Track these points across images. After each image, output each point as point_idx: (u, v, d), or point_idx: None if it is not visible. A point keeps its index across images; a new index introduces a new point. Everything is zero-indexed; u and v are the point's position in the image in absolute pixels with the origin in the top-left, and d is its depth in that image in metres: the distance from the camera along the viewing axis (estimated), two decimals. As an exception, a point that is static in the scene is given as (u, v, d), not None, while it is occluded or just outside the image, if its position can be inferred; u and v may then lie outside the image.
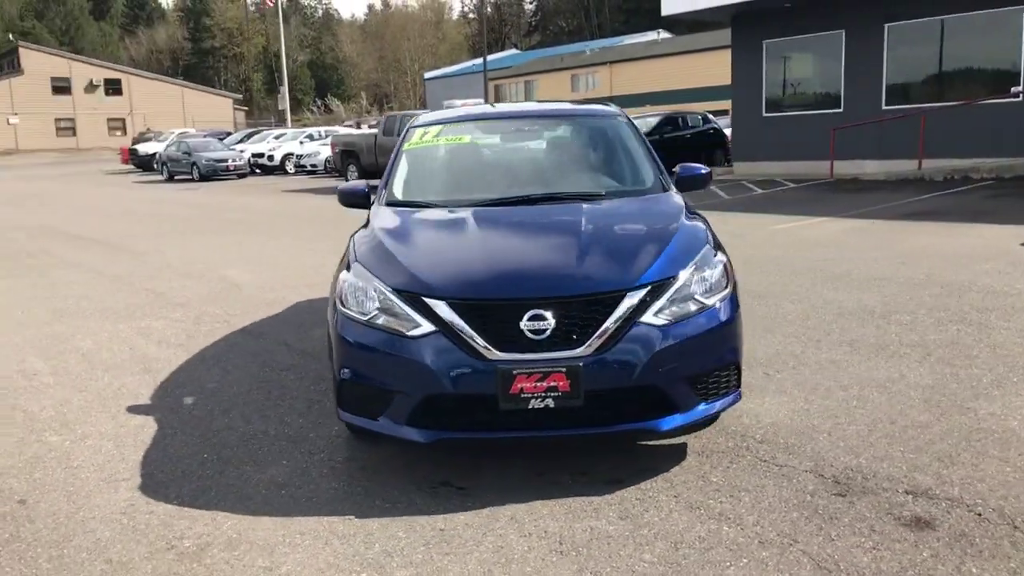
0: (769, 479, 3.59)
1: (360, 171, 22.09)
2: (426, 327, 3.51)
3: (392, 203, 4.67)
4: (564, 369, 3.41)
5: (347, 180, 20.87)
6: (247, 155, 30.83)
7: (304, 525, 3.36)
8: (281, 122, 49.20)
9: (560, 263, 3.73)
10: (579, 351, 3.44)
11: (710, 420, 3.90)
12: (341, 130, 32.90)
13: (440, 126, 5.26)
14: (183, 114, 62.54)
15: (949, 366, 4.98)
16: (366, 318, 3.65)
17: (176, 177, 30.06)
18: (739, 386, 3.84)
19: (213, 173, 29.00)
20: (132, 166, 37.79)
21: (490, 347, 3.44)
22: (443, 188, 4.89)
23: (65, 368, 5.76)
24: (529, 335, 3.45)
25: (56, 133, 60.98)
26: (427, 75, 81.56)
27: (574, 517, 3.34)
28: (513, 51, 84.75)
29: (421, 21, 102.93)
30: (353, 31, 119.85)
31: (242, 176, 29.53)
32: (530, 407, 3.44)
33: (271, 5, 50.49)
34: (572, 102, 6.38)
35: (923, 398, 4.48)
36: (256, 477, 3.84)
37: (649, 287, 3.58)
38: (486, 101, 29.99)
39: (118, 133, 62.81)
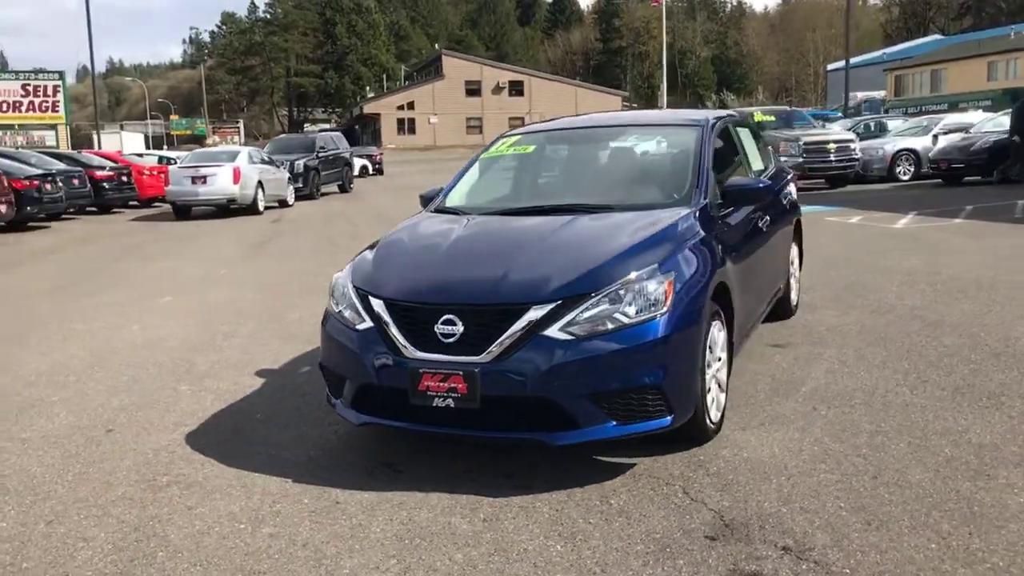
0: (662, 511, 3.46)
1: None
2: (367, 323, 3.95)
3: (439, 209, 5.09)
4: (462, 373, 3.63)
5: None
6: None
7: (247, 479, 3.98)
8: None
9: (486, 273, 3.90)
10: (479, 357, 3.64)
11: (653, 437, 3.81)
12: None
13: (519, 136, 5.54)
14: (575, 111, 66.57)
15: (1048, 426, 4.15)
16: (337, 311, 4.17)
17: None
18: (670, 412, 3.71)
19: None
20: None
21: (408, 346, 3.78)
22: (484, 196, 5.19)
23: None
24: (440, 338, 3.73)
25: (466, 131, 68.46)
26: (829, 67, 77.67)
27: (450, 512, 3.55)
28: (934, 36, 77.16)
29: (831, 9, 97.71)
30: (760, 24, 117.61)
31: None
32: (434, 405, 3.71)
33: (657, 4, 51.68)
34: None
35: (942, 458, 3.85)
36: (273, 437, 4.56)
37: (560, 302, 3.64)
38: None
39: (518, 130, 68.89)
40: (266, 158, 21.87)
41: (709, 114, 5.45)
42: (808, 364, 5.38)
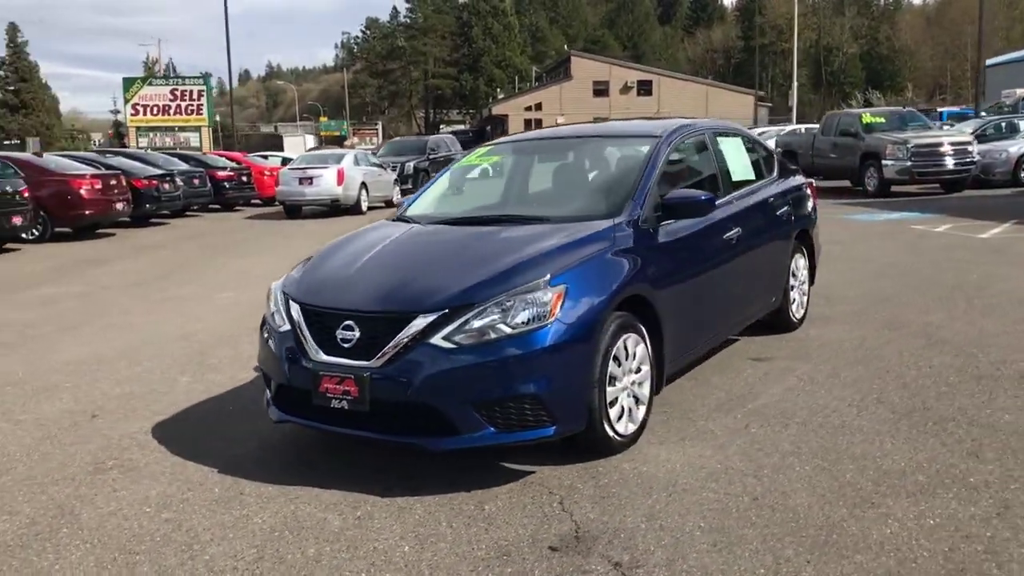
0: (527, 519, 3.53)
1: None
2: (287, 326, 4.20)
3: (399, 217, 5.28)
4: (354, 376, 3.82)
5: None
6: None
7: (180, 467, 4.30)
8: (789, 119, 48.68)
9: (387, 282, 4.07)
10: (370, 363, 3.82)
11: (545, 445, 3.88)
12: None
13: (492, 146, 5.67)
14: (706, 111, 65.24)
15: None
16: (269, 314, 4.45)
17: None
18: (553, 422, 3.77)
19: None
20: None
21: (314, 349, 4.00)
22: (440, 205, 5.34)
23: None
24: (341, 343, 3.93)
25: (592, 131, 68.14)
26: (988, 62, 72.84)
27: (332, 509, 3.74)
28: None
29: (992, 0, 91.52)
30: (916, 17, 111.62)
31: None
32: (332, 406, 3.92)
33: None
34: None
35: (867, 480, 3.71)
36: (230, 430, 4.88)
37: (445, 311, 3.77)
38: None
39: (647, 131, 68.14)
40: (374, 161, 22.68)
41: (674, 124, 5.40)
42: (774, 380, 5.26)
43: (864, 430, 4.34)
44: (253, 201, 25.05)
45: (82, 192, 15.48)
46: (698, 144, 5.53)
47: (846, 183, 20.12)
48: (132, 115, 45.53)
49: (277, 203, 21.94)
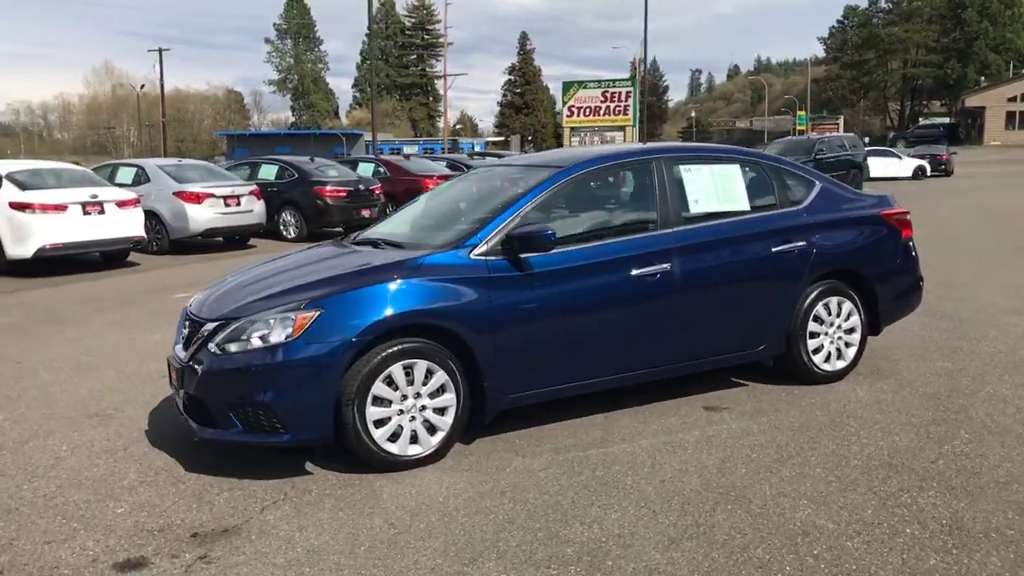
0: (221, 510, 4.07)
1: None
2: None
3: (354, 240, 5.76)
4: (176, 368, 4.67)
5: None
6: None
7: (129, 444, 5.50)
8: None
9: (228, 295, 4.76)
10: (183, 357, 4.62)
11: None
12: None
13: (465, 171, 5.96)
14: None
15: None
16: None
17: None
18: (286, 431, 4.23)
19: None
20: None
21: (178, 347, 4.92)
22: (384, 227, 5.75)
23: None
24: (183, 339, 4.80)
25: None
26: None
27: (119, 481, 4.64)
28: None
29: None
30: None
31: None
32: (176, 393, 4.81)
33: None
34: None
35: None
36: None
37: (221, 322, 4.43)
38: None
39: None
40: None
41: (592, 155, 5.21)
42: (669, 434, 4.87)
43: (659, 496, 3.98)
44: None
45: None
46: (633, 174, 5.26)
47: None
48: (567, 116, 49.88)
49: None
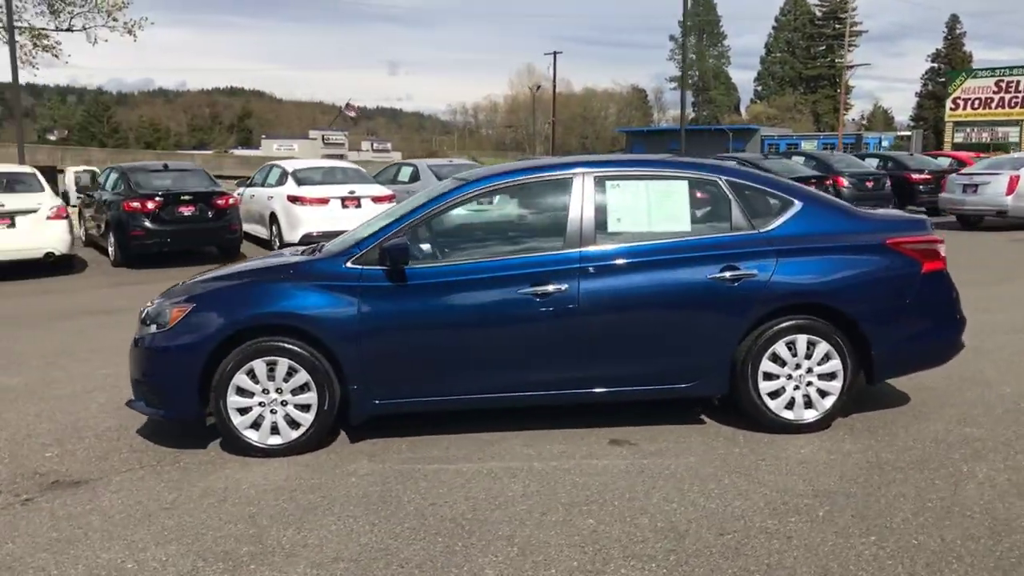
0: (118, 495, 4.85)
1: None
2: None
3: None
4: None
5: None
6: None
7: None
8: None
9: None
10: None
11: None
12: None
13: None
14: None
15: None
16: None
17: None
18: (161, 407, 4.98)
19: None
20: None
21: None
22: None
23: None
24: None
25: None
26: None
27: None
28: None
29: None
30: None
31: None
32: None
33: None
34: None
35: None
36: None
37: (152, 306, 5.22)
38: None
39: None
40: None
41: (496, 171, 5.11)
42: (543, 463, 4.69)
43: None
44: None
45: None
46: (550, 190, 5.06)
47: None
48: (951, 109, 43.69)
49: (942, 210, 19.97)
